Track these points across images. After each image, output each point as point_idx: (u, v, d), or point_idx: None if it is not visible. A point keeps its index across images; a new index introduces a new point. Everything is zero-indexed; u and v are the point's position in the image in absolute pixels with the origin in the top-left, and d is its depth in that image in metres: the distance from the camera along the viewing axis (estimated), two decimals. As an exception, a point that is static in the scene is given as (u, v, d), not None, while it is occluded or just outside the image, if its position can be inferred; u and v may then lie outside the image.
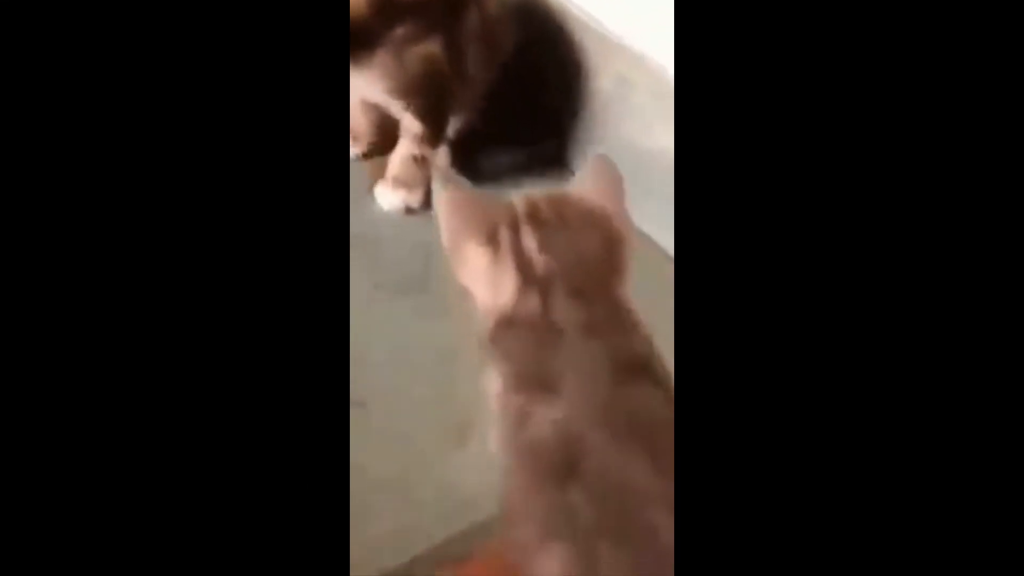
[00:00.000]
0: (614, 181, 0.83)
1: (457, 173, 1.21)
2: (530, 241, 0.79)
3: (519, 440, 0.73)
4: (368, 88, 1.28)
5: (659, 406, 0.71)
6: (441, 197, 0.83)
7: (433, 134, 1.33)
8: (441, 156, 1.38)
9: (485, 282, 0.80)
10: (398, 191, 1.35)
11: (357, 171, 1.40)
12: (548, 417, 0.71)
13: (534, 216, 0.80)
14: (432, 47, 1.26)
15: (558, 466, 0.69)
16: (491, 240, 0.79)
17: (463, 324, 0.83)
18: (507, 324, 0.78)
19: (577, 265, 0.78)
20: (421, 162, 1.34)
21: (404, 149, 1.35)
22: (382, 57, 1.22)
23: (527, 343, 0.76)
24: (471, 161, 1.39)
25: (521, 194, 0.83)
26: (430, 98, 1.29)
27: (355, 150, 1.42)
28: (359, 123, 1.41)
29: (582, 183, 0.84)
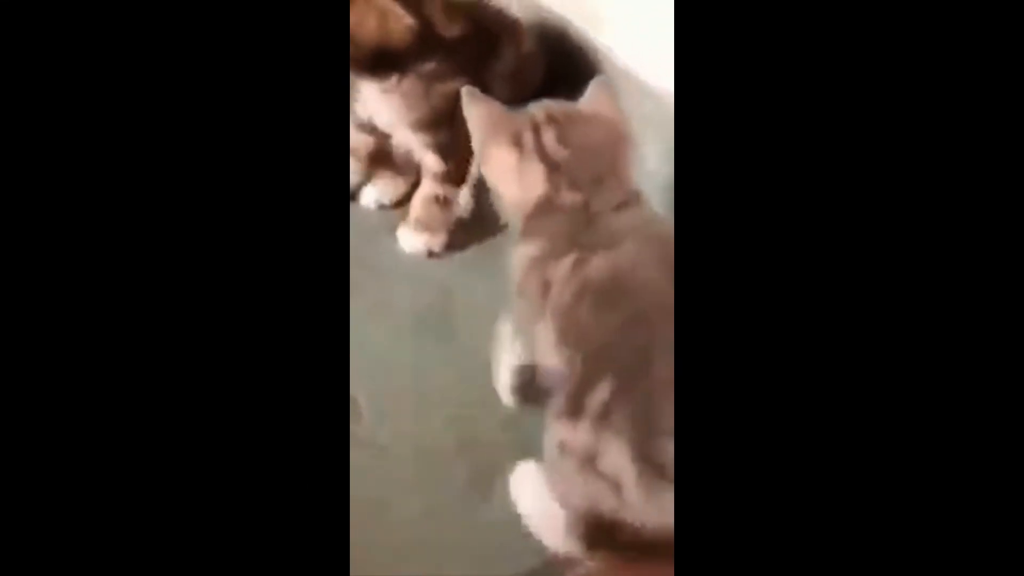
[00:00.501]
0: (613, 97, 1.04)
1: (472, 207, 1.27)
2: (549, 138, 0.99)
3: (575, 281, 0.93)
4: (391, 116, 1.26)
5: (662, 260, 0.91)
6: (471, 111, 1.02)
7: (455, 174, 1.31)
8: (464, 196, 1.35)
9: (513, 178, 1.00)
10: (420, 234, 1.33)
11: (379, 213, 1.38)
12: (607, 262, 0.92)
13: (551, 119, 1.00)
14: (459, 85, 1.20)
15: (615, 293, 0.91)
16: (516, 142, 0.99)
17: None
18: (544, 209, 0.98)
19: (588, 152, 0.99)
20: (443, 204, 1.32)
21: (426, 190, 1.33)
22: (411, 86, 1.22)
23: (563, 221, 0.96)
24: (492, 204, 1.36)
25: (539, 105, 1.02)
26: (453, 136, 1.26)
27: (387, 196, 1.39)
28: (373, 160, 1.38)
29: (587, 100, 1.04)
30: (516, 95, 1.29)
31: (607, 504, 0.88)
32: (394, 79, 1.21)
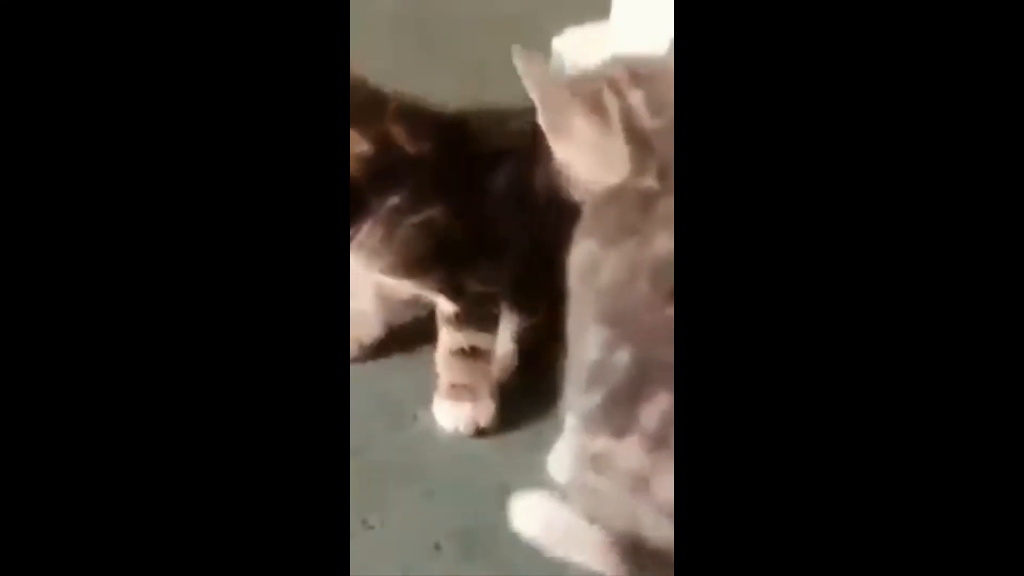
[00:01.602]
0: None
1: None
2: (638, 100, 0.83)
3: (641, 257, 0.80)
4: (357, 270, 1.04)
5: None
6: (532, 75, 0.85)
7: (477, 316, 1.03)
8: (501, 346, 1.06)
9: (594, 157, 0.85)
10: (460, 403, 1.03)
11: (404, 381, 1.09)
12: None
13: (636, 76, 0.84)
14: (431, 213, 1.00)
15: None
16: (596, 107, 0.84)
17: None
18: (615, 196, 0.83)
19: None
20: (474, 356, 1.03)
21: (446, 342, 1.04)
22: (368, 235, 0.99)
23: (630, 209, 0.82)
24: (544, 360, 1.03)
25: (615, 62, 0.87)
26: (453, 272, 1.01)
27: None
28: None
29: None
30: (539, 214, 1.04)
31: (658, 532, 0.78)
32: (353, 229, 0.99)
